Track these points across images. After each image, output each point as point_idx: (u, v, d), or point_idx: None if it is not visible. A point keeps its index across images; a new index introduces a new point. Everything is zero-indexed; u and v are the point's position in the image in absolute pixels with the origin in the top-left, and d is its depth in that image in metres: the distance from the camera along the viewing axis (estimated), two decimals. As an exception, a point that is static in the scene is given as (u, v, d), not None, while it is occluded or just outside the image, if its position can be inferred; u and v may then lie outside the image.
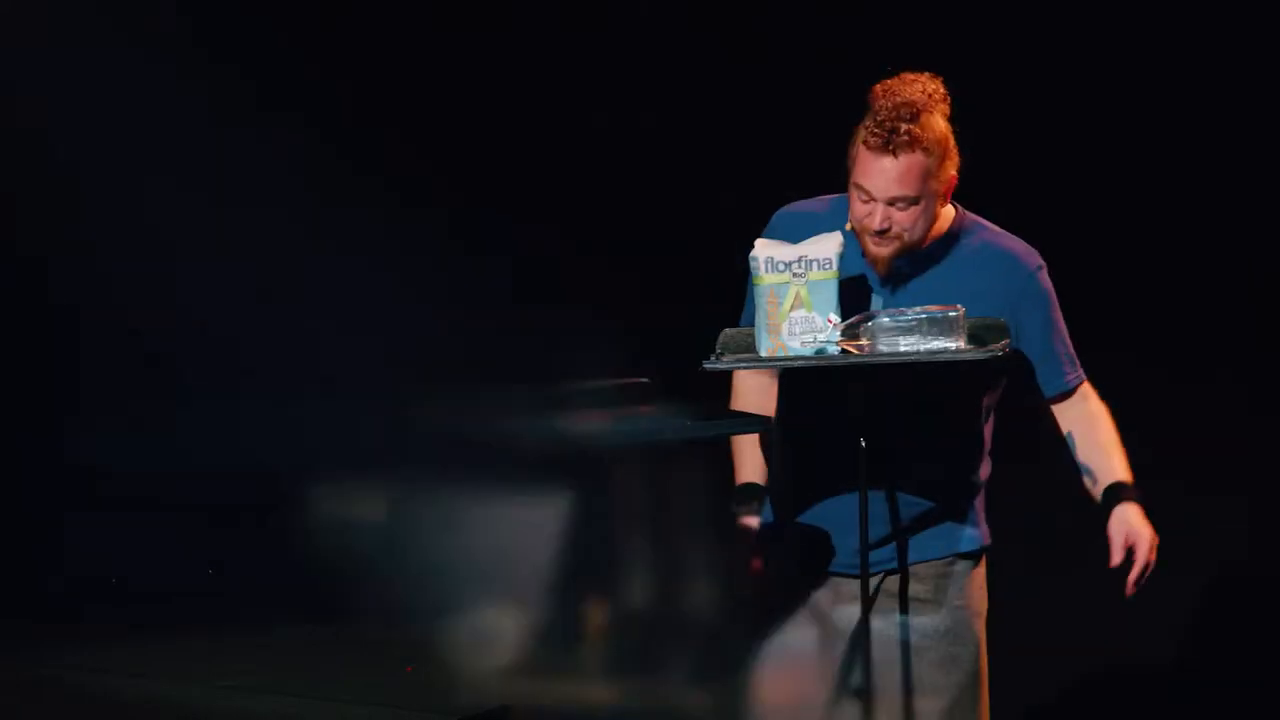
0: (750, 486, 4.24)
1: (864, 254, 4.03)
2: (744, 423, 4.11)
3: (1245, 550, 5.82)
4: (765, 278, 3.95)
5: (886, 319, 3.87)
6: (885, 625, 4.09)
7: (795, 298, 3.92)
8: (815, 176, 4.23)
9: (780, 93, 5.85)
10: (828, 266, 3.91)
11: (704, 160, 5.88)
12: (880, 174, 3.95)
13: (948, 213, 4.09)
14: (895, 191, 3.95)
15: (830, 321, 3.90)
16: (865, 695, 3.95)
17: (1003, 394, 4.16)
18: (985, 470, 4.19)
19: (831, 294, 3.91)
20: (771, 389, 4.23)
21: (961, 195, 4.09)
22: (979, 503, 4.20)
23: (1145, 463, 4.04)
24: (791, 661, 4.14)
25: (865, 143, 3.96)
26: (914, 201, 3.96)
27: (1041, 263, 4.09)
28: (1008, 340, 3.87)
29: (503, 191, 6.22)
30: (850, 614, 4.10)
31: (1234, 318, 5.85)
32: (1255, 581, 5.86)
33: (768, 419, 4.09)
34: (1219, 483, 5.78)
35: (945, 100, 4.00)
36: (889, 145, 3.93)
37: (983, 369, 3.97)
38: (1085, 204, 5.83)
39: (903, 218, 3.97)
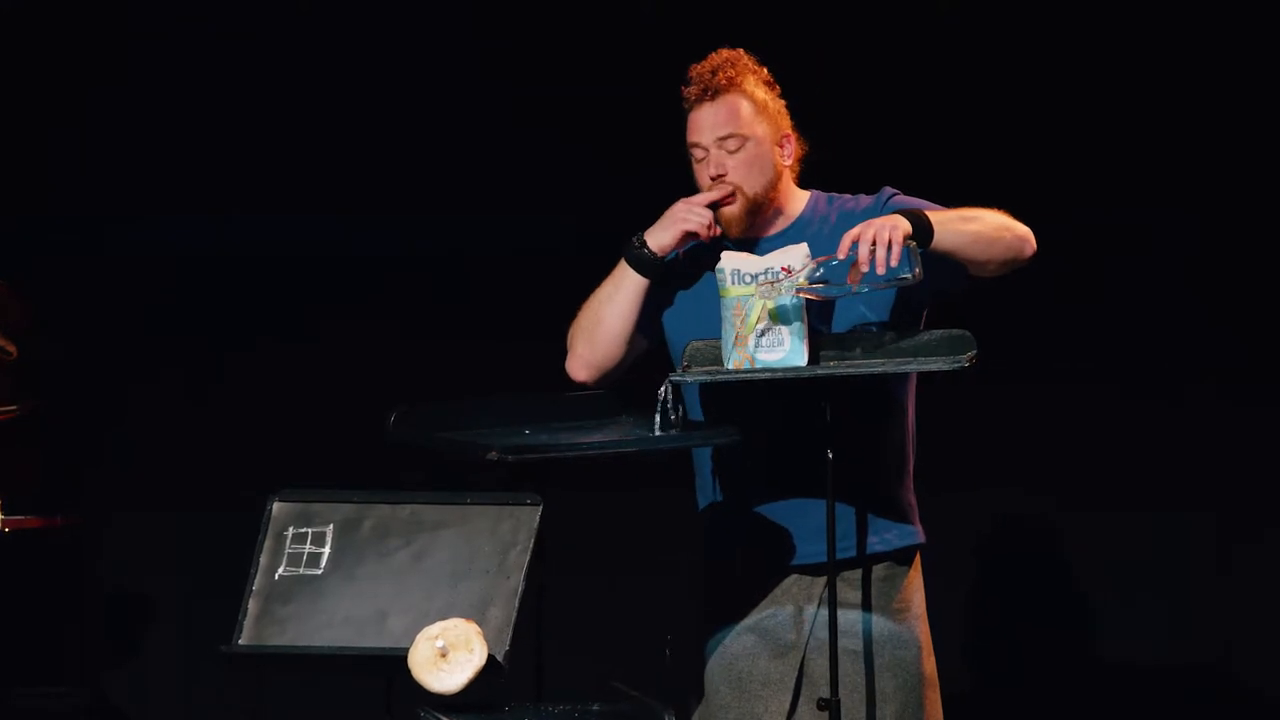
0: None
1: (725, 234, 4.11)
2: (710, 435, 4.08)
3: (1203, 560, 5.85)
4: (732, 290, 3.97)
5: (835, 261, 3.92)
6: (825, 634, 4.06)
7: (761, 310, 3.95)
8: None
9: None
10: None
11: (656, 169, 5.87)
12: (702, 121, 4.11)
13: (801, 195, 4.18)
14: (721, 131, 4.10)
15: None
16: (833, 705, 3.96)
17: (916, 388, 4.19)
18: (911, 465, 4.19)
19: (798, 304, 3.94)
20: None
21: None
22: (910, 499, 4.19)
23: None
24: (738, 675, 4.14)
25: (685, 104, 4.14)
26: (743, 143, 4.09)
27: (896, 191, 4.15)
28: (974, 353, 3.91)
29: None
30: (792, 617, 4.11)
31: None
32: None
33: (735, 430, 4.06)
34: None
35: (761, 76, 4.14)
36: (706, 93, 4.11)
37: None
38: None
39: (734, 162, 4.10)
